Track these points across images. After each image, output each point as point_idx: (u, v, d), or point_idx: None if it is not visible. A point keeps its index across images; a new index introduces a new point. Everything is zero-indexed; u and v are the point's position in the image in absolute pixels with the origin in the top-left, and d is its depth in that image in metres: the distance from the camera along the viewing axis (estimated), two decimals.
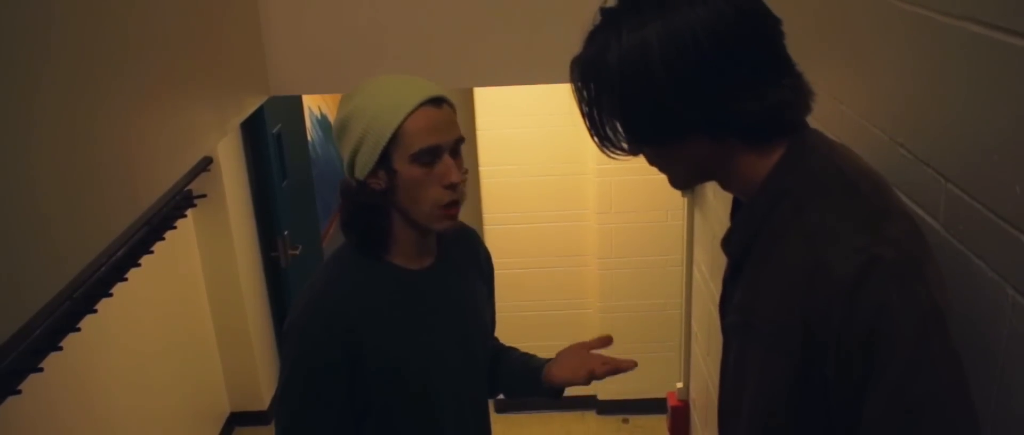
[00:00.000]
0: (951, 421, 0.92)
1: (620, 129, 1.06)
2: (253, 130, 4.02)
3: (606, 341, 1.60)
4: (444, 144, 1.37)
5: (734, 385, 1.13)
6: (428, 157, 1.35)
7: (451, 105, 1.42)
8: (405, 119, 1.34)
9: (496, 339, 1.78)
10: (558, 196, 4.00)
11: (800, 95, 1.03)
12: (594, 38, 1.05)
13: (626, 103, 1.02)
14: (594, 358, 1.58)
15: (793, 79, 1.02)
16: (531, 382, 1.64)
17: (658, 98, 0.99)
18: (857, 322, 0.92)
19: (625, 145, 1.08)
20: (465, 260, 1.60)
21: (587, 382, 1.56)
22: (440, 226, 1.42)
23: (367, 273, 1.46)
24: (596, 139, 1.08)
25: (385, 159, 1.36)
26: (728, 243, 1.11)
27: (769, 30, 1.01)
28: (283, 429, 1.46)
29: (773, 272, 1.02)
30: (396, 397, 1.47)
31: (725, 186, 1.11)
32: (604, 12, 1.05)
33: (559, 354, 1.63)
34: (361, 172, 1.39)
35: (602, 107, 1.05)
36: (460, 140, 1.41)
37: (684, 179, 1.13)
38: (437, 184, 1.37)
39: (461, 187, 1.40)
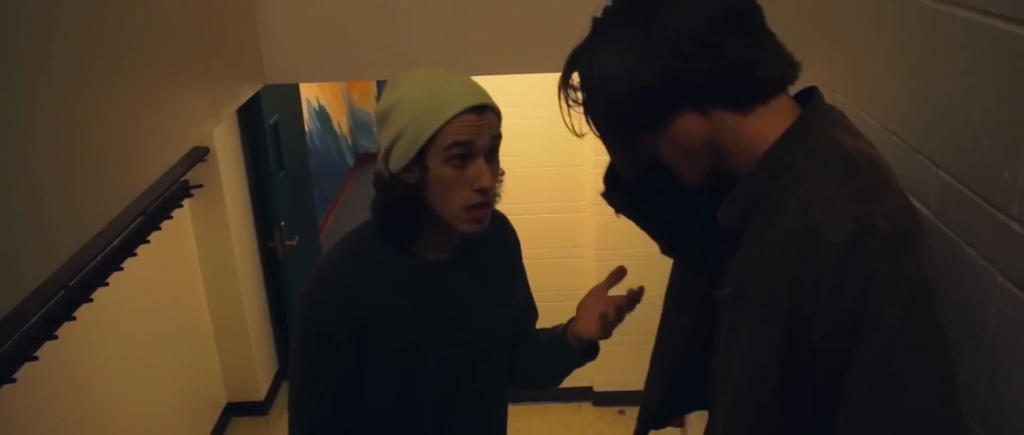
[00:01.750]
0: (932, 395, 0.92)
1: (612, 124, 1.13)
2: (250, 120, 4.02)
3: (619, 275, 1.54)
4: (478, 143, 1.35)
5: (725, 358, 1.13)
6: (461, 153, 1.34)
7: (496, 111, 1.40)
8: (446, 124, 1.32)
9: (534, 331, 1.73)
10: (555, 187, 4.00)
11: (771, 55, 1.04)
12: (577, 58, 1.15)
13: (611, 101, 1.09)
14: (607, 304, 1.50)
15: (763, 40, 1.05)
16: (560, 352, 1.58)
17: (640, 84, 1.04)
18: (846, 289, 0.92)
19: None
20: (489, 253, 1.57)
21: (608, 334, 1.51)
22: (464, 229, 1.40)
23: (383, 257, 1.46)
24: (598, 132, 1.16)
25: (420, 157, 1.35)
26: (726, 213, 1.11)
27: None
28: (292, 391, 1.51)
29: (767, 242, 1.03)
30: (390, 381, 1.49)
31: (730, 167, 1.10)
32: (595, 21, 1.12)
33: (579, 307, 1.57)
34: (395, 166, 1.38)
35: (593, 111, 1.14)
36: (497, 138, 1.39)
37: (692, 170, 1.12)
38: (467, 187, 1.36)
39: (492, 191, 1.39)
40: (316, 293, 1.46)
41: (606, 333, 1.51)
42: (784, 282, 0.98)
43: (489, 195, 1.39)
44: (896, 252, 0.92)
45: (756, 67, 1.03)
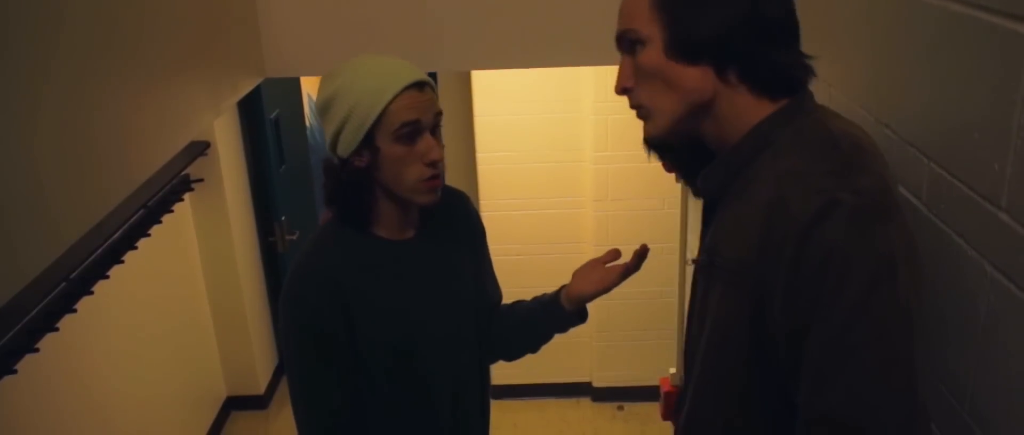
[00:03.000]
0: (888, 372, 0.93)
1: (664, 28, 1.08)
2: (251, 115, 4.03)
3: (615, 254, 1.62)
4: (424, 121, 1.42)
5: (698, 324, 1.14)
6: (409, 133, 1.40)
7: (433, 87, 1.46)
8: (390, 103, 1.39)
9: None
10: (555, 183, 4.00)
11: (805, 65, 1.08)
12: None
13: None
14: (612, 267, 1.60)
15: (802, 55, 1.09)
16: (549, 314, 1.65)
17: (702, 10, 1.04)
18: (807, 260, 0.93)
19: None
20: (450, 229, 1.63)
21: (617, 283, 1.60)
22: (423, 200, 1.47)
23: (351, 244, 1.51)
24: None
25: (369, 138, 1.41)
26: (706, 180, 1.12)
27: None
28: (296, 394, 1.53)
29: (740, 210, 1.05)
30: (386, 366, 1.52)
31: (706, 131, 1.11)
32: None
33: (575, 273, 1.65)
34: (344, 151, 1.44)
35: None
36: (439, 115, 1.46)
37: (667, 113, 1.10)
38: (418, 161, 1.43)
39: (441, 163, 1.46)
40: (302, 290, 1.49)
41: (620, 280, 1.60)
42: (752, 250, 1.00)
43: (438, 167, 1.45)
44: (860, 227, 0.92)
45: (796, 69, 1.07)
